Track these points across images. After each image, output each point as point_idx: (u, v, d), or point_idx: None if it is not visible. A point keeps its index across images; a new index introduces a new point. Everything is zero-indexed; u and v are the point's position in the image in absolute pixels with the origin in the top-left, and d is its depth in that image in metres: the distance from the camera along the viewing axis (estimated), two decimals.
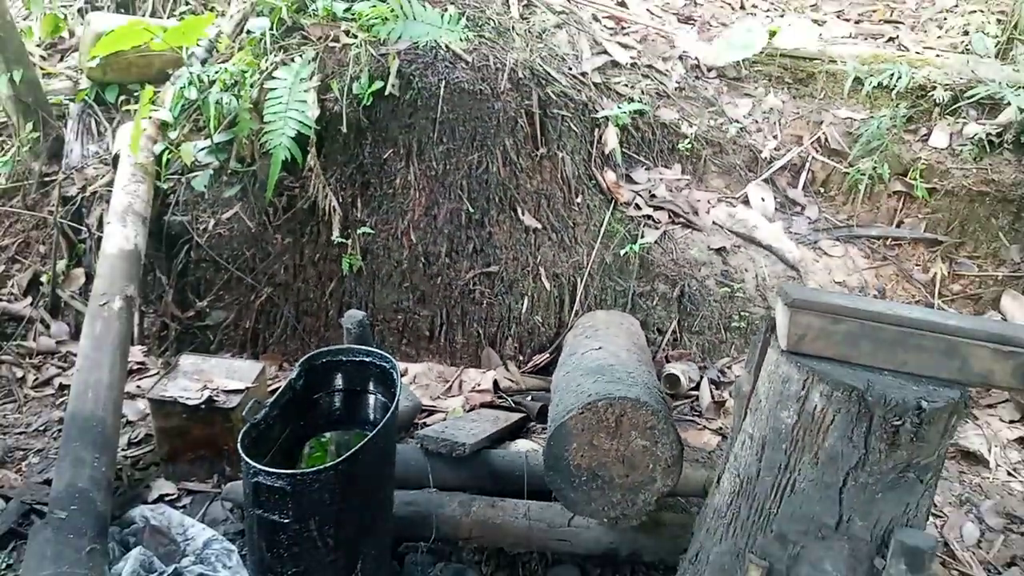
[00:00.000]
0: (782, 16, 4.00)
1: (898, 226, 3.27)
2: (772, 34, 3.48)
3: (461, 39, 2.86)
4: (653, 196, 3.13)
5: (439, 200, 2.87)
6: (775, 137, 3.36)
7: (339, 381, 2.10)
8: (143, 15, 3.80)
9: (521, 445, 2.45)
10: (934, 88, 3.27)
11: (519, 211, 2.92)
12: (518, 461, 2.26)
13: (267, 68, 2.84)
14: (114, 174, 2.88)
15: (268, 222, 2.90)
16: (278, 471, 1.64)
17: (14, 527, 2.13)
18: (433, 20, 2.82)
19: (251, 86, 2.84)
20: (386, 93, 2.75)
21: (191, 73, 2.92)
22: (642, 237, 2.97)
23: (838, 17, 4.17)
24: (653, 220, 3.05)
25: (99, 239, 2.85)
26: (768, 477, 1.52)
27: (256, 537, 1.74)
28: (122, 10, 3.89)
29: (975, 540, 2.28)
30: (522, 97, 2.89)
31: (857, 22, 4.14)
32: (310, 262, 2.93)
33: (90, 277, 2.92)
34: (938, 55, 3.58)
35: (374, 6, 2.83)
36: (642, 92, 3.26)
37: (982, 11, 3.93)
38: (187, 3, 3.77)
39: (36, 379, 2.84)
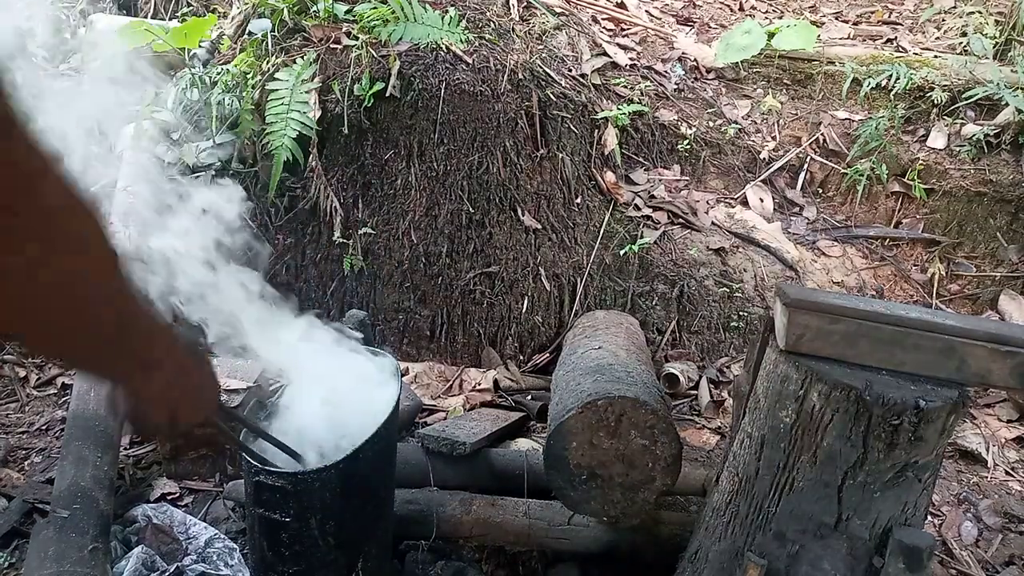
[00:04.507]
0: (781, 18, 4.01)
1: (896, 226, 3.28)
2: (771, 36, 3.48)
3: (462, 41, 2.87)
4: (652, 197, 3.14)
5: (440, 200, 2.88)
6: (773, 138, 3.37)
7: None
8: (145, 16, 3.81)
9: (521, 444, 2.46)
10: (932, 89, 3.28)
11: (519, 211, 2.93)
12: (518, 460, 2.27)
13: (269, 69, 2.85)
14: (116, 175, 2.88)
15: (270, 222, 2.90)
16: (279, 470, 1.64)
17: (16, 526, 2.13)
18: (434, 22, 2.83)
19: (253, 87, 2.85)
20: (387, 94, 2.76)
21: (193, 74, 2.93)
22: (641, 237, 2.98)
23: (836, 19, 4.18)
24: (652, 220, 3.06)
25: None
26: (767, 476, 1.53)
27: (257, 536, 1.74)
28: (124, 11, 3.90)
29: (973, 539, 2.29)
30: (522, 98, 2.90)
31: (855, 24, 4.15)
32: (312, 262, 2.94)
33: None
34: (936, 56, 3.59)
35: (375, 8, 2.84)
36: (641, 93, 3.27)
37: (980, 12, 3.94)
38: (189, 4, 3.78)
39: (39, 379, 2.83)
